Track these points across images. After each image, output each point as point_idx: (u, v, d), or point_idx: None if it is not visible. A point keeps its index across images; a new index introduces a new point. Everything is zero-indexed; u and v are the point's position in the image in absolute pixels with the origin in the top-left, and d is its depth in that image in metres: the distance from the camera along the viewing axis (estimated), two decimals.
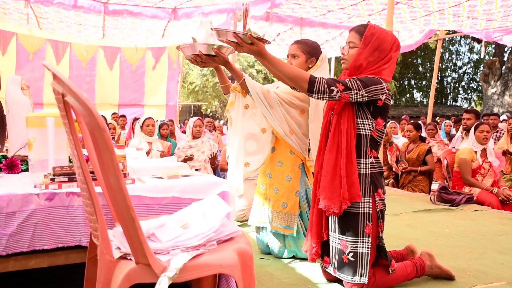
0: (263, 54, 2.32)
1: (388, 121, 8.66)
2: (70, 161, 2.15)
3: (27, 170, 2.25)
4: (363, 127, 2.37)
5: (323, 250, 2.54)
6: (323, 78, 2.30)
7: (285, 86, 2.90)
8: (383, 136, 2.44)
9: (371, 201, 2.36)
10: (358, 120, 2.37)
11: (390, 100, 2.40)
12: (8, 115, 2.48)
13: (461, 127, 7.18)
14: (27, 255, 1.79)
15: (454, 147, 6.65)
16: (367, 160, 2.38)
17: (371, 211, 2.36)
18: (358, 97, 2.29)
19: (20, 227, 1.74)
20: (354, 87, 2.28)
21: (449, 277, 2.62)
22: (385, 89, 2.33)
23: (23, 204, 1.75)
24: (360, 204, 2.35)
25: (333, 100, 2.36)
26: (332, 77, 2.40)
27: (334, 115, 2.42)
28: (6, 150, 2.77)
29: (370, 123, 2.37)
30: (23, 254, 1.78)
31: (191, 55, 2.53)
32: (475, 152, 5.31)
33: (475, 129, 5.35)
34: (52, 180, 1.86)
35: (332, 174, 2.37)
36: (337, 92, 2.28)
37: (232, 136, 2.99)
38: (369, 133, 2.37)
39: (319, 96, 2.31)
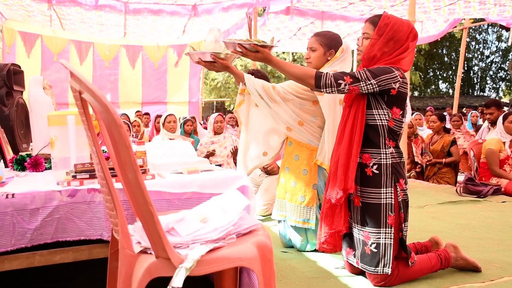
0: (269, 59, 2.43)
1: (413, 113, 8.54)
2: (91, 158, 2.18)
3: (50, 168, 2.30)
4: (378, 118, 2.34)
5: (346, 241, 2.53)
6: (329, 72, 2.31)
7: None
8: (402, 126, 2.41)
9: (393, 191, 2.34)
10: (374, 111, 2.35)
11: (406, 89, 2.36)
12: (31, 114, 2.53)
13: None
14: (52, 250, 1.82)
15: (481, 137, 6.52)
16: (386, 150, 2.35)
17: (393, 202, 2.33)
18: (368, 88, 2.28)
19: (44, 222, 1.78)
20: (363, 78, 2.27)
21: (475, 269, 2.58)
22: (398, 77, 2.30)
23: (46, 200, 1.79)
24: (382, 194, 2.33)
25: (343, 93, 2.36)
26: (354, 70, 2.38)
27: (346, 108, 2.43)
28: (31, 149, 2.82)
29: (385, 113, 2.34)
30: (48, 249, 1.81)
31: (196, 60, 2.70)
32: (504, 142, 5.20)
33: (504, 119, 5.24)
34: (74, 177, 1.89)
35: (345, 166, 2.37)
36: (345, 85, 2.28)
37: (242, 134, 3.11)
38: (386, 123, 2.35)
39: (327, 91, 2.32)
